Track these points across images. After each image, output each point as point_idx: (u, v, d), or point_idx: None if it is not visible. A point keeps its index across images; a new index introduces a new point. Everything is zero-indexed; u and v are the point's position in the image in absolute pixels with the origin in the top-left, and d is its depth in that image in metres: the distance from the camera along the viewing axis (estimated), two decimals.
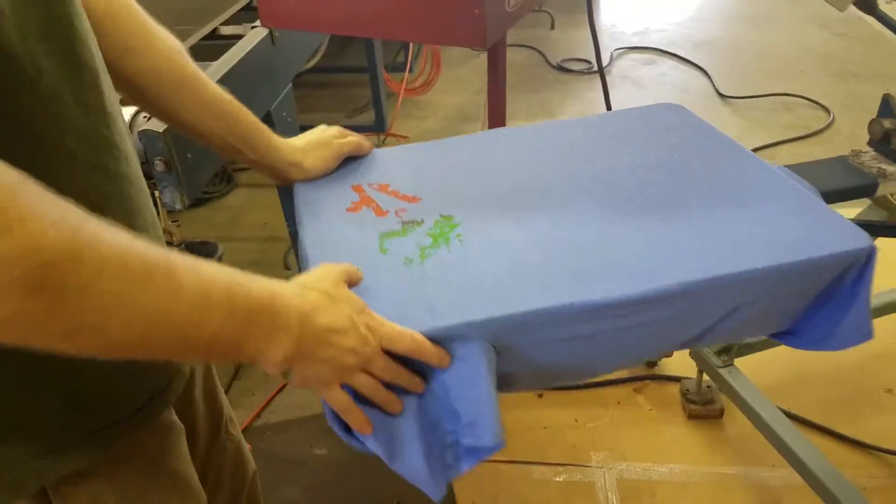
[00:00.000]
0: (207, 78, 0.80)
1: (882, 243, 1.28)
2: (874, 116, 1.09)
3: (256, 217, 2.67)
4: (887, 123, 0.99)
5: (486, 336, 0.65)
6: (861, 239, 0.75)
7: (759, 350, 1.63)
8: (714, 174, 0.87)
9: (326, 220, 0.83)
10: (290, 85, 1.69)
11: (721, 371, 1.59)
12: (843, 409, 1.73)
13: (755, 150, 2.85)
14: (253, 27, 1.58)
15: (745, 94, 3.33)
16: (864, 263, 0.75)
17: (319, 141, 0.90)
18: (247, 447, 0.97)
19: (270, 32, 1.48)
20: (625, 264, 0.72)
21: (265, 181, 2.82)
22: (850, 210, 1.29)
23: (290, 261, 2.39)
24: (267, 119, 1.60)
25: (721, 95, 3.34)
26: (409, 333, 0.64)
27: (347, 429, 0.66)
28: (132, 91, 0.75)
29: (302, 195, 0.88)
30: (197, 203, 2.69)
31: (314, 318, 0.60)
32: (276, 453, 1.14)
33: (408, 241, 0.77)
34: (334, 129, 0.93)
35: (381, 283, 0.71)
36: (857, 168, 1.03)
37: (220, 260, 2.10)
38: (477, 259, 0.74)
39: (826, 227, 0.77)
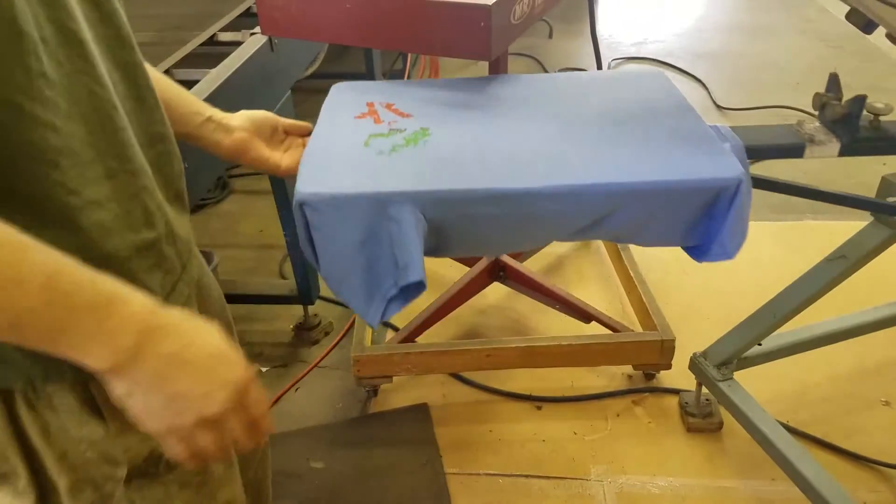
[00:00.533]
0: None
1: (878, 260, 1.28)
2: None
3: (252, 224, 2.66)
4: (824, 98, 1.09)
5: (416, 205, 0.88)
6: (731, 170, 0.92)
7: (759, 364, 1.63)
8: (648, 120, 1.07)
9: (336, 121, 1.07)
10: (290, 92, 1.69)
11: (720, 384, 1.58)
12: (842, 423, 1.73)
13: (751, 162, 2.87)
14: (252, 34, 1.57)
15: (743, 107, 3.34)
16: (734, 190, 0.91)
17: (261, 120, 0.96)
18: None
19: (270, 39, 1.47)
20: (531, 168, 0.95)
21: (261, 188, 2.83)
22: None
23: (285, 269, 2.37)
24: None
25: (718, 107, 3.35)
26: (267, 411, 0.65)
27: (312, 251, 0.90)
28: None
29: (329, 100, 1.15)
30: (192, 209, 2.67)
31: (161, 339, 0.56)
32: (272, 466, 1.12)
33: (387, 141, 1.01)
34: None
35: (353, 162, 0.96)
36: (794, 132, 1.12)
37: (215, 270, 2.09)
38: (428, 156, 0.98)
39: (708, 161, 0.95)
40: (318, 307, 2.13)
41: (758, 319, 1.49)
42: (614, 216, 0.94)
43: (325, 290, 2.16)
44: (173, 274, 0.74)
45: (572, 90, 1.19)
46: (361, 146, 0.99)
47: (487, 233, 0.96)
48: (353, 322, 2.02)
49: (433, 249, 0.96)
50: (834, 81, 1.10)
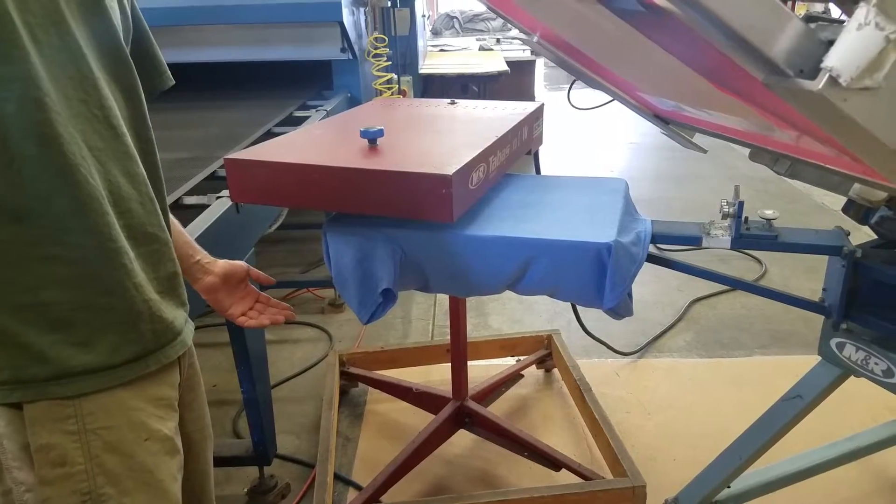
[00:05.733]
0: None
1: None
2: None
3: (205, 379, 2.55)
4: (724, 204, 1.32)
5: (395, 240, 1.30)
6: (605, 237, 1.25)
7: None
8: (582, 206, 1.45)
9: None
10: (252, 249, 1.72)
11: None
12: None
13: (696, 299, 3.01)
14: (218, 197, 1.62)
15: (682, 249, 3.54)
16: (608, 252, 1.23)
17: (233, 272, 1.16)
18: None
19: (236, 203, 1.52)
20: (474, 224, 1.33)
21: (216, 340, 2.77)
22: None
23: (239, 427, 2.27)
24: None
25: (658, 247, 3.55)
26: None
27: (329, 264, 1.36)
28: None
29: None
30: None
31: None
32: None
33: None
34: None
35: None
36: (698, 228, 1.38)
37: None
38: None
39: (595, 231, 1.29)
40: (274, 466, 2.02)
41: (724, 462, 1.49)
42: (535, 264, 1.28)
43: (282, 447, 2.07)
44: (140, 344, 0.85)
45: (548, 186, 1.62)
46: None
47: (442, 268, 1.32)
48: (313, 480, 1.92)
49: (421, 284, 1.37)
50: (736, 191, 1.34)
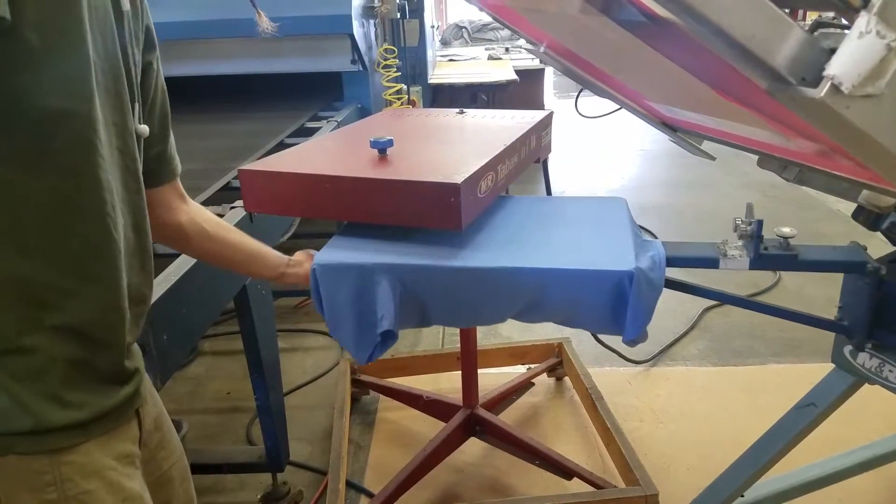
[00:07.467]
0: (227, 227, 1.15)
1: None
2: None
3: (219, 386, 2.60)
4: (740, 222, 1.28)
5: (394, 274, 1.20)
6: (625, 265, 1.18)
7: None
8: (589, 229, 1.39)
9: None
10: None
11: None
12: None
13: (709, 307, 2.99)
14: (232, 207, 1.64)
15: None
16: (629, 280, 1.15)
17: (310, 253, 1.27)
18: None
19: (250, 213, 1.54)
20: (486, 254, 1.25)
21: (230, 348, 2.80)
22: None
23: (253, 434, 2.29)
24: (242, 292, 1.61)
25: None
26: None
27: (320, 303, 1.23)
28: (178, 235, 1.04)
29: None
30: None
31: None
32: None
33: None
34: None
35: (361, 243, 1.28)
36: (713, 249, 1.32)
37: (184, 438, 2.00)
38: (413, 243, 1.27)
39: (612, 258, 1.21)
40: (287, 473, 2.03)
41: (737, 471, 1.48)
42: (548, 294, 1.21)
43: (295, 454, 2.08)
44: (111, 398, 0.83)
45: (546, 208, 1.57)
46: (372, 235, 1.31)
47: (447, 301, 1.24)
48: (325, 487, 1.93)
49: (413, 318, 1.26)
50: (749, 209, 1.30)
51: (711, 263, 1.30)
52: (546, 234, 1.38)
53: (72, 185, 0.72)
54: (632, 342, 1.22)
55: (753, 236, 1.25)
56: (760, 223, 1.25)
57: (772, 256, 1.28)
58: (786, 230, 1.28)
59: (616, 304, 1.18)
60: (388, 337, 1.19)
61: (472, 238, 1.31)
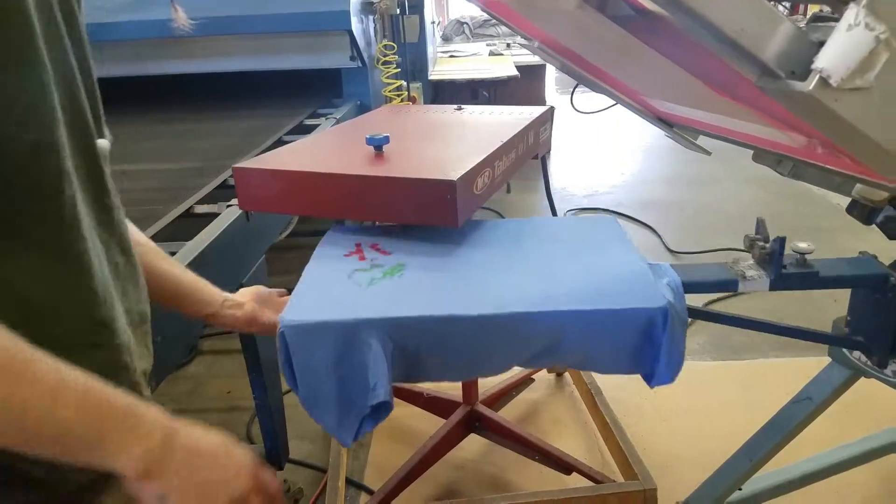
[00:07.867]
0: (158, 254, 0.97)
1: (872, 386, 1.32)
2: None
3: (219, 386, 2.60)
4: (752, 239, 1.21)
5: (384, 330, 0.99)
6: (656, 300, 1.03)
7: None
8: (595, 259, 1.22)
9: (326, 258, 1.23)
10: (263, 258, 1.74)
11: None
12: None
13: (709, 302, 2.99)
14: (228, 206, 1.64)
15: (693, 250, 3.53)
16: (663, 317, 1.01)
17: (258, 292, 1.11)
18: None
19: (246, 212, 1.55)
20: (490, 298, 1.06)
21: (229, 347, 2.80)
22: None
23: (253, 432, 2.29)
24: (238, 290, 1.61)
25: (670, 251, 3.53)
26: (277, 485, 0.69)
27: (291, 373, 0.99)
28: None
29: (324, 240, 1.32)
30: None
31: (180, 436, 0.61)
32: None
33: (367, 275, 1.16)
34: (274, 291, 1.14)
35: (336, 293, 1.09)
36: (728, 269, 1.21)
37: None
38: (401, 287, 1.11)
39: (637, 292, 1.06)
40: (287, 471, 2.04)
41: (734, 465, 1.48)
42: (563, 340, 1.04)
43: (294, 452, 2.08)
44: None
45: (536, 233, 1.39)
46: (345, 280, 1.14)
47: (448, 355, 1.05)
48: (325, 484, 1.94)
49: (404, 374, 1.05)
50: (761, 224, 1.23)
51: (731, 286, 1.19)
52: (547, 263, 1.22)
53: (51, 228, 0.61)
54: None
55: (774, 254, 1.15)
56: (783, 242, 1.14)
57: (793, 276, 1.18)
58: (803, 245, 1.18)
59: (644, 344, 1.03)
60: (381, 409, 0.96)
61: (468, 277, 1.16)
